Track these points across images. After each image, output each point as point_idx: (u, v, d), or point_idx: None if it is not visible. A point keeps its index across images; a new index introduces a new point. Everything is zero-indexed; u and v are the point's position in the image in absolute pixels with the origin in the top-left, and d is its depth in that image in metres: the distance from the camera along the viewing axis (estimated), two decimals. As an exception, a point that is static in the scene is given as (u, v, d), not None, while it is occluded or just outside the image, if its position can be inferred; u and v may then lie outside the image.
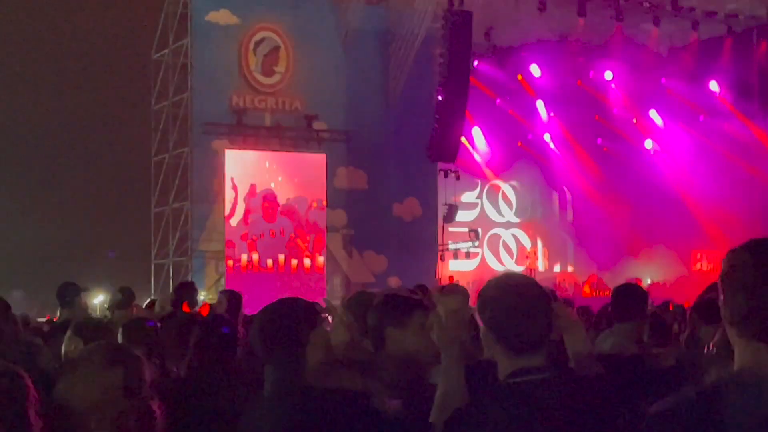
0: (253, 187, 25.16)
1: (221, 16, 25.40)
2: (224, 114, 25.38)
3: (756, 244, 2.44)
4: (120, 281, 18.00)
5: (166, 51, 26.36)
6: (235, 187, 24.95)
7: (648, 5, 27.14)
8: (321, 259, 25.73)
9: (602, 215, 31.16)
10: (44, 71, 28.82)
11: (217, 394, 4.84)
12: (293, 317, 3.72)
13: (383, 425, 3.61)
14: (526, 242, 31.43)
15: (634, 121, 31.37)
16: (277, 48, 26.10)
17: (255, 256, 25.03)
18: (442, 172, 27.78)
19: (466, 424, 3.14)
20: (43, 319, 13.00)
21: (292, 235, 25.51)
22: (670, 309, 10.13)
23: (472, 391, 3.42)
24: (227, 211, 24.81)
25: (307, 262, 25.55)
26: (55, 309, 8.82)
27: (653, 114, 31.14)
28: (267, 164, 25.56)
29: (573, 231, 31.70)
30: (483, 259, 30.75)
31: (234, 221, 24.89)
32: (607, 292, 24.47)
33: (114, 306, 8.60)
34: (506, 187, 31.50)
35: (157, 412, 3.48)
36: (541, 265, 30.74)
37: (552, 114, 30.69)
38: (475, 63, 27.84)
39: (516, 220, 31.72)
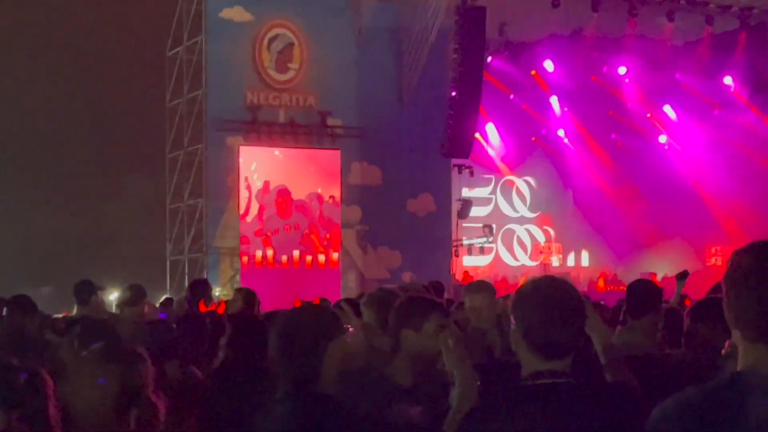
0: (267, 183, 25.21)
1: (235, 13, 25.47)
2: (238, 111, 25.44)
3: (759, 246, 2.46)
4: (135, 278, 18.06)
5: (180, 48, 26.43)
6: (249, 184, 25.01)
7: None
8: (335, 255, 25.77)
9: (616, 210, 31.15)
10: (59, 68, 28.92)
11: (251, 391, 4.88)
12: (313, 327, 3.69)
13: None
14: (540, 237, 31.42)
15: (649, 115, 31.30)
16: (291, 44, 26.14)
17: (270, 252, 25.08)
18: (456, 168, 27.80)
19: (481, 423, 3.15)
20: (59, 315, 13.05)
21: (307, 231, 25.55)
22: (687, 304, 10.10)
23: (488, 391, 3.44)
24: (242, 208, 24.88)
25: (321, 258, 25.59)
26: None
27: (667, 109, 31.07)
28: (281, 160, 25.61)
29: (587, 226, 31.65)
30: (497, 255, 30.76)
31: (249, 218, 24.95)
32: (621, 287, 24.49)
33: (124, 303, 8.61)
34: (520, 183, 31.49)
35: (161, 410, 3.52)
36: (555, 260, 30.73)
37: (566, 109, 30.64)
38: (489, 59, 27.79)
39: (530, 215, 31.71)
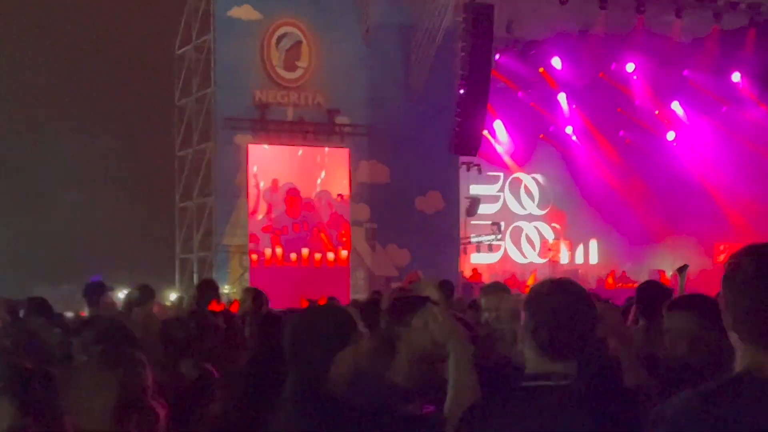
0: (275, 181, 25.26)
1: (243, 12, 25.51)
2: (247, 109, 25.48)
3: (756, 249, 2.49)
4: (145, 276, 18.14)
5: (189, 47, 26.50)
6: (258, 183, 25.06)
7: (669, -4, 27.09)
8: (344, 253, 25.80)
9: (624, 207, 31.11)
10: (68, 68, 29.00)
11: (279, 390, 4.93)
12: (326, 330, 3.67)
13: None
14: (549, 235, 31.41)
15: (657, 112, 31.28)
16: (299, 43, 26.17)
17: (279, 251, 25.12)
18: (464, 166, 27.82)
19: (480, 421, 3.19)
20: (71, 314, 13.12)
21: (316, 229, 25.59)
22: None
23: (487, 389, 3.47)
24: (251, 206, 24.93)
25: (330, 256, 25.62)
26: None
27: (676, 106, 31.04)
28: (290, 159, 25.65)
29: (595, 223, 31.63)
30: (505, 252, 30.78)
31: (257, 216, 25.01)
32: (630, 285, 24.49)
33: (133, 303, 8.66)
34: (528, 180, 31.50)
35: (160, 413, 3.56)
36: (563, 257, 30.73)
37: (574, 106, 30.63)
38: (497, 56, 27.81)
39: (538, 212, 31.72)
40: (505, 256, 30.68)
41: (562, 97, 30.43)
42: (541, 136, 30.97)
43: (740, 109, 29.68)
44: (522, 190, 31.49)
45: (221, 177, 25.22)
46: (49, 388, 3.49)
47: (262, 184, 25.10)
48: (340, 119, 26.49)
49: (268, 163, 25.39)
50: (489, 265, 29.51)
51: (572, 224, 31.64)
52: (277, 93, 25.95)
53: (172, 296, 18.00)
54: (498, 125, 29.98)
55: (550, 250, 30.18)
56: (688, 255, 27.90)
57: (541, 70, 29.45)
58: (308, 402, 3.58)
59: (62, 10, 28.13)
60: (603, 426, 3.09)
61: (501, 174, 30.93)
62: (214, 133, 25.33)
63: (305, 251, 25.38)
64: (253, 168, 25.04)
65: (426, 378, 4.02)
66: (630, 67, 29.56)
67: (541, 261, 30.34)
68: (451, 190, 27.56)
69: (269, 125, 25.77)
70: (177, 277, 26.82)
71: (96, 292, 8.45)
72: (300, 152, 25.83)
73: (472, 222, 28.50)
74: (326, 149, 26.17)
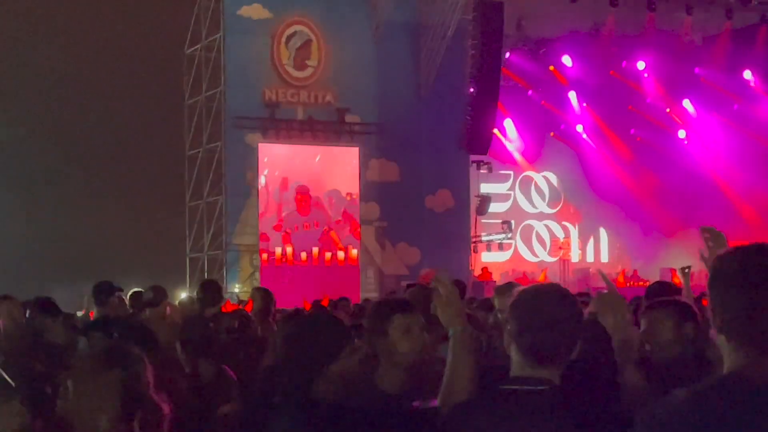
0: (285, 180, 25.28)
1: (253, 11, 25.53)
2: (257, 108, 25.50)
3: (742, 251, 2.47)
4: (155, 275, 18.14)
5: (198, 46, 26.51)
6: (268, 182, 25.07)
7: (681, -7, 27.01)
8: (354, 252, 25.80)
9: (636, 205, 31.05)
10: (77, 67, 29.01)
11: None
12: (319, 343, 3.69)
13: None
14: (559, 233, 31.34)
15: (668, 110, 31.19)
16: (308, 41, 26.18)
17: (289, 249, 25.13)
18: (474, 164, 27.77)
19: (462, 420, 3.21)
20: (81, 313, 13.14)
21: (326, 228, 25.60)
22: (704, 304, 10.05)
23: (479, 389, 3.45)
24: (261, 205, 24.94)
25: (340, 254, 25.62)
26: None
27: (687, 103, 30.96)
28: (300, 157, 25.66)
29: (606, 221, 31.56)
30: (516, 251, 30.71)
31: (268, 214, 25.02)
32: (641, 283, 24.42)
33: (145, 304, 8.65)
34: (539, 178, 31.43)
35: (165, 411, 3.54)
36: (574, 255, 30.67)
37: (584, 104, 30.58)
38: (507, 54, 27.77)
39: (549, 211, 31.65)
40: (516, 255, 30.62)
41: (572, 95, 30.38)
42: (551, 134, 30.90)
43: (752, 106, 29.59)
44: (532, 189, 31.43)
45: (231, 176, 25.23)
46: (58, 390, 3.48)
47: (272, 183, 25.11)
48: (350, 118, 26.49)
49: (278, 162, 25.41)
50: (499, 264, 29.44)
51: (583, 222, 31.58)
52: (287, 92, 25.96)
53: (183, 295, 18.00)
54: (508, 123, 29.93)
55: (560, 248, 30.10)
56: (699, 253, 27.86)
57: (551, 68, 29.41)
58: (300, 408, 3.58)
59: (71, 10, 28.16)
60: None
61: (511, 172, 30.86)
62: (224, 132, 25.35)
63: (315, 250, 25.39)
64: (263, 167, 25.06)
65: (412, 382, 3.99)
66: (641, 64, 29.49)
67: (552, 260, 30.27)
68: (461, 189, 27.53)
69: (279, 124, 25.79)
70: (187, 276, 26.83)
71: (104, 292, 8.43)
72: (310, 151, 25.84)
73: (483, 220, 28.43)
74: (336, 148, 26.17)
